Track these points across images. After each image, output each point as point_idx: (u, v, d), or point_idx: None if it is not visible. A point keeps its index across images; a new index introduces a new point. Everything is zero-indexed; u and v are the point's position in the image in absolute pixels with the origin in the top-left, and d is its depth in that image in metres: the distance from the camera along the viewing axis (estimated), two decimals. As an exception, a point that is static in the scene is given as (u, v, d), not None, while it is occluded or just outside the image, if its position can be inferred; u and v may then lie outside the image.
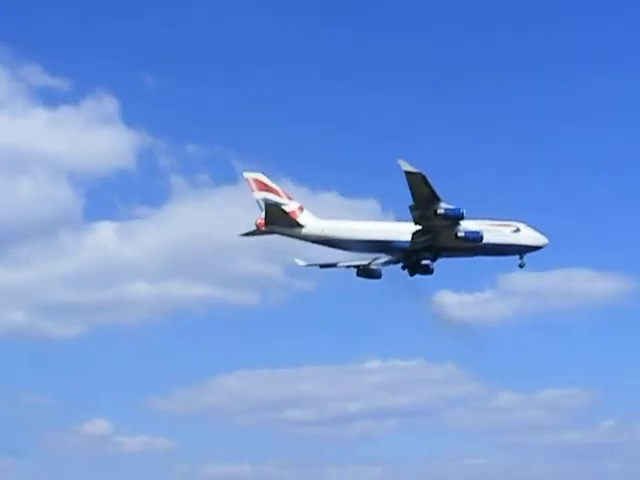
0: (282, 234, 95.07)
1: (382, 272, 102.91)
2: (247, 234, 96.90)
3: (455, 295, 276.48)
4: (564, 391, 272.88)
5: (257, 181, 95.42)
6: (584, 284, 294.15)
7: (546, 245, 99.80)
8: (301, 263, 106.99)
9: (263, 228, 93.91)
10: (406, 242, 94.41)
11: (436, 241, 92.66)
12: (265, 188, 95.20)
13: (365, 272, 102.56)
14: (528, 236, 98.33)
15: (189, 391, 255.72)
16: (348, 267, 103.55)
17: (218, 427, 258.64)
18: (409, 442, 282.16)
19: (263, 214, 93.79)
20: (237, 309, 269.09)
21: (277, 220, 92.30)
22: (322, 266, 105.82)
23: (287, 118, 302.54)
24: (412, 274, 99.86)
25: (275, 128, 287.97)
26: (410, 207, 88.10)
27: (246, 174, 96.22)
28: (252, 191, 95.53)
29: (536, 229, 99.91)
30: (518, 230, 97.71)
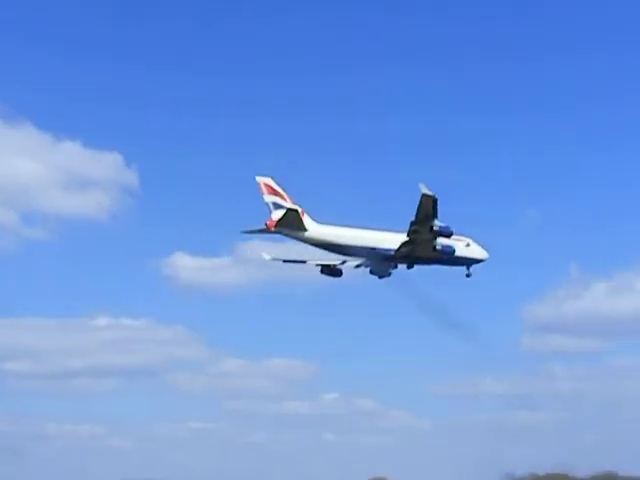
0: (287, 235, 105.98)
1: (343, 271, 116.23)
2: (251, 231, 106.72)
3: (192, 259, 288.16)
4: (289, 362, 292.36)
5: (267, 185, 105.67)
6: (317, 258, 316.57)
7: (487, 259, 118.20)
8: (267, 257, 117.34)
9: (272, 229, 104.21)
10: (390, 250, 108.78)
11: (416, 251, 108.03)
12: (273, 192, 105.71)
13: (330, 271, 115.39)
14: (476, 250, 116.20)
15: None
16: (317, 265, 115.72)
17: None
18: (133, 402, 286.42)
19: (273, 216, 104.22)
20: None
21: (290, 224, 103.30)
22: (286, 261, 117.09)
23: (39, 56, 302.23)
24: (381, 277, 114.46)
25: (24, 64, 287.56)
26: (411, 222, 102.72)
27: (258, 178, 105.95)
28: (262, 194, 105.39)
29: (480, 244, 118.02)
30: (469, 245, 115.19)
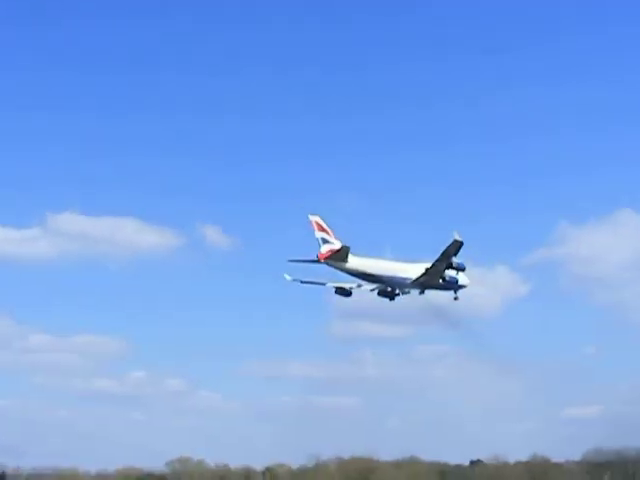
0: (332, 266, 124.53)
1: (352, 292, 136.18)
2: (299, 261, 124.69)
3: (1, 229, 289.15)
4: (98, 338, 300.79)
5: (317, 223, 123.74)
6: (131, 233, 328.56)
7: (469, 284, 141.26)
8: (288, 278, 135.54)
9: (322, 260, 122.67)
10: (409, 278, 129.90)
11: (430, 280, 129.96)
12: (322, 229, 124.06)
13: (343, 291, 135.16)
14: (463, 278, 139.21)
15: None
16: (333, 287, 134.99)
17: None
18: None
19: (322, 249, 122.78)
20: None
21: (340, 257, 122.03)
22: (304, 282, 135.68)
23: None
24: (391, 299, 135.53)
25: None
26: (437, 259, 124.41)
27: (310, 217, 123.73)
28: (314, 230, 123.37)
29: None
30: (458, 274, 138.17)
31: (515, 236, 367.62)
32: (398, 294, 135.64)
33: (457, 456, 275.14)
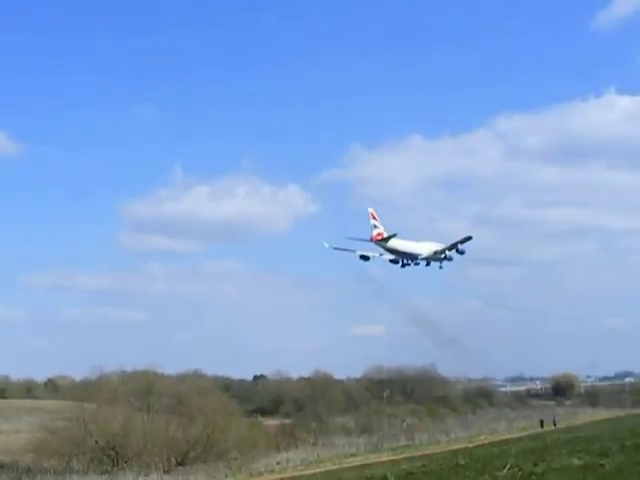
0: (378, 245, 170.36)
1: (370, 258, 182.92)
2: (354, 239, 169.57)
3: None
4: None
5: (371, 213, 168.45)
6: None
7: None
8: (326, 245, 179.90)
9: (373, 241, 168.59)
10: (420, 254, 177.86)
11: (433, 257, 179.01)
12: (374, 218, 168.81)
13: (365, 257, 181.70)
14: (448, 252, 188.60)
15: None
16: (358, 254, 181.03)
17: None
18: None
19: (374, 233, 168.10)
20: None
21: (385, 240, 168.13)
22: (336, 249, 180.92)
23: None
24: (402, 267, 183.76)
25: None
26: (448, 247, 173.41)
27: (369, 209, 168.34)
28: (370, 219, 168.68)
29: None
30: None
31: (309, 156, 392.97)
32: (409, 264, 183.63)
33: (242, 371, 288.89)
